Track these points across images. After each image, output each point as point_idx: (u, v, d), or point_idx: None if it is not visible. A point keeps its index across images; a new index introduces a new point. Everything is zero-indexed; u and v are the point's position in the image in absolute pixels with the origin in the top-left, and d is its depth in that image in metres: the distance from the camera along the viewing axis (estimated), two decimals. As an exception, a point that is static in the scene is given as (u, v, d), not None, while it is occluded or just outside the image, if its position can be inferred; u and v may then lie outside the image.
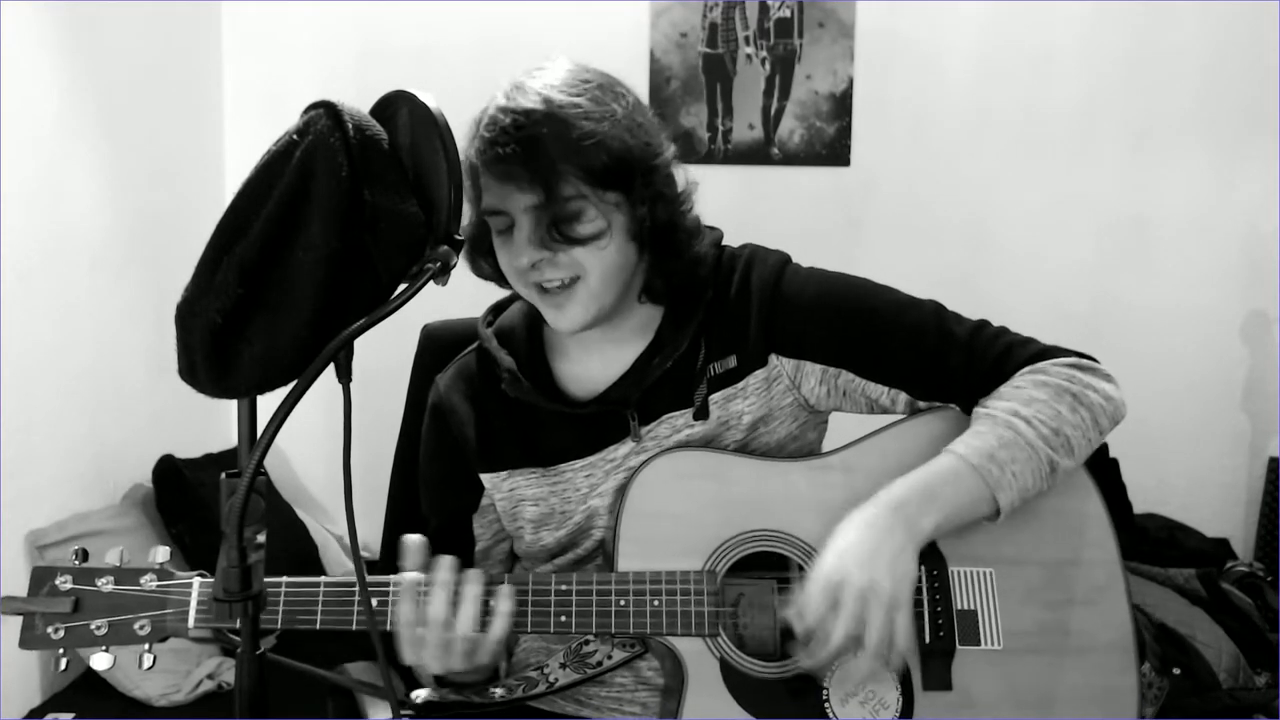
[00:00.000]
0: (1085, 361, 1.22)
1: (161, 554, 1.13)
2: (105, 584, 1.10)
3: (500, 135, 1.10)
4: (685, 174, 1.22)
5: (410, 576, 1.10)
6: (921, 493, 1.12)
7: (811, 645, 1.08)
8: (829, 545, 1.10)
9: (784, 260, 1.27)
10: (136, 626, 1.10)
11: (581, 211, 1.13)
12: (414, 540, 1.13)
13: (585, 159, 1.10)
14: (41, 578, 1.11)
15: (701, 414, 1.23)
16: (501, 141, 1.09)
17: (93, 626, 1.09)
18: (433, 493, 1.34)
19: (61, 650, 1.10)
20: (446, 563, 1.10)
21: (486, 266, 1.24)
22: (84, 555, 1.12)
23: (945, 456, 1.15)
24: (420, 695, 1.18)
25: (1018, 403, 1.16)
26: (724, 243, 1.30)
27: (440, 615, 1.08)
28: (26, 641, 1.09)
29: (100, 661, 1.10)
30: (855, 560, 1.07)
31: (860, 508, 1.12)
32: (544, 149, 1.09)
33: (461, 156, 1.11)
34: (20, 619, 1.10)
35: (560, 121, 1.10)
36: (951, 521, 1.14)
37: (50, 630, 1.09)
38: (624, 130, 1.13)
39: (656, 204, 1.17)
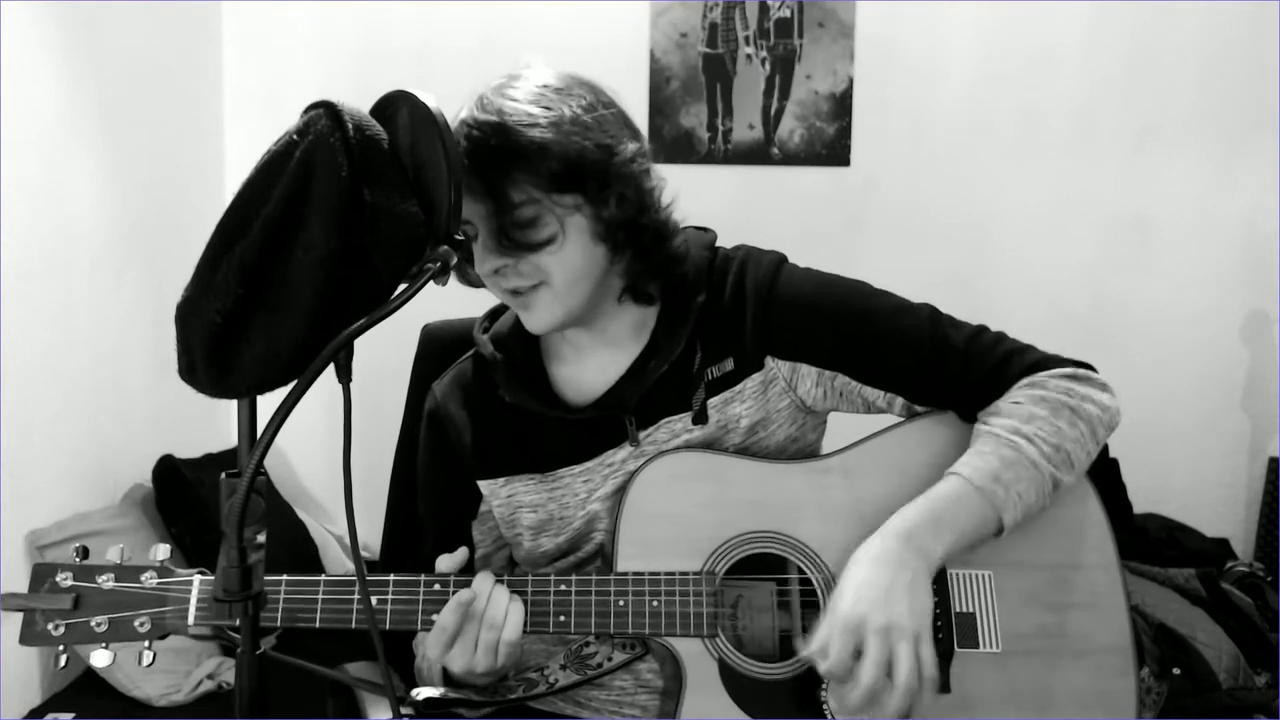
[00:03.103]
0: (1081, 371, 1.22)
1: (162, 551, 1.14)
2: (106, 581, 1.11)
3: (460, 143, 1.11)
4: (654, 173, 1.21)
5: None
6: (930, 520, 1.12)
7: (842, 690, 1.07)
8: (843, 582, 1.10)
9: (779, 261, 1.27)
10: (136, 623, 1.10)
11: (536, 218, 1.13)
12: (449, 560, 1.16)
13: (532, 164, 1.11)
14: (42, 574, 1.11)
15: (700, 419, 1.23)
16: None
17: (93, 623, 1.09)
18: (431, 501, 1.34)
19: (61, 647, 1.10)
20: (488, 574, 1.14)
21: (471, 276, 1.24)
22: (85, 553, 1.12)
23: (950, 480, 1.15)
24: (421, 694, 1.18)
25: (1019, 420, 1.16)
26: (719, 244, 1.29)
27: (494, 616, 1.11)
28: (27, 638, 1.09)
29: (100, 659, 1.10)
30: (872, 599, 1.07)
31: (869, 540, 1.12)
32: (489, 158, 1.11)
33: None
34: (21, 617, 1.10)
35: (506, 130, 1.11)
36: (960, 544, 1.14)
37: (51, 627, 1.09)
38: (572, 133, 1.13)
39: (618, 204, 1.15)
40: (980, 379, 1.20)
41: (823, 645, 1.07)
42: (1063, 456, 1.16)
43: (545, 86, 1.16)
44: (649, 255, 1.19)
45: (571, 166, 1.12)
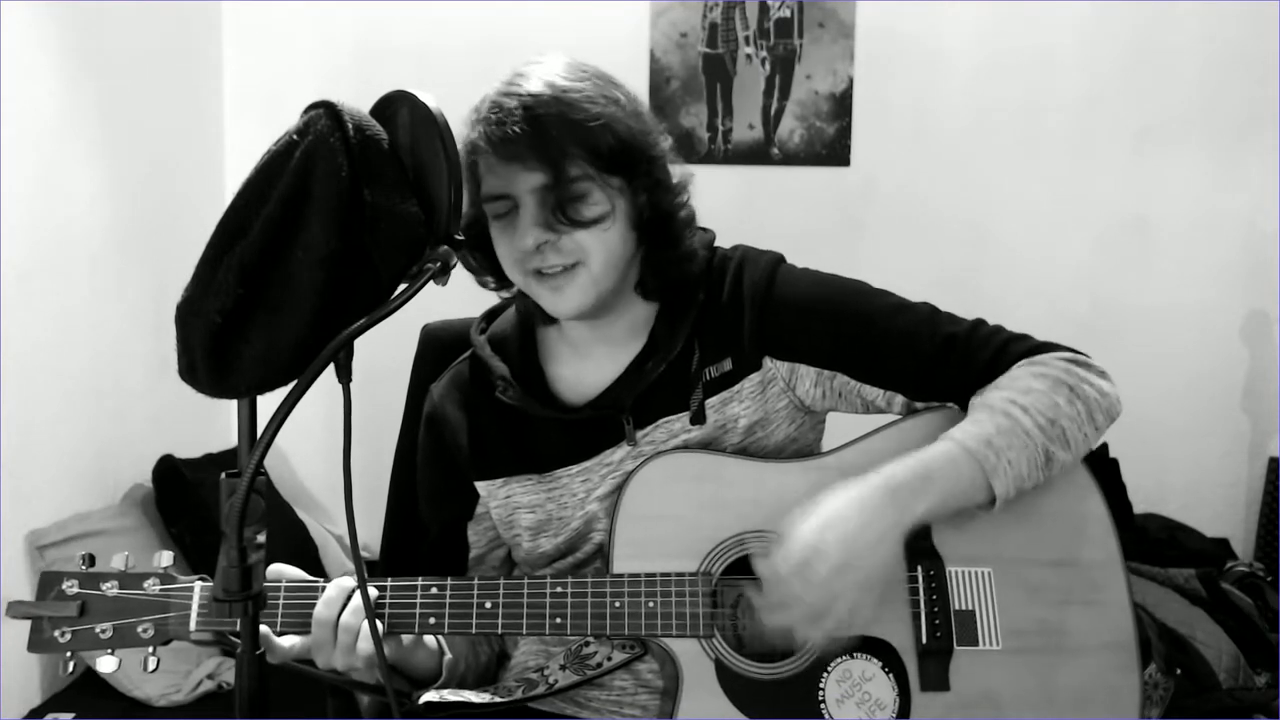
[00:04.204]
0: (1081, 356, 1.22)
1: (165, 558, 1.15)
2: (110, 588, 1.12)
3: (507, 116, 1.11)
4: (680, 167, 1.23)
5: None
6: (917, 476, 1.11)
7: (772, 605, 1.07)
8: (814, 509, 1.09)
9: (776, 261, 1.27)
10: (140, 629, 1.11)
11: (587, 193, 1.13)
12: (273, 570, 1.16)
13: (593, 140, 1.12)
14: (49, 582, 1.13)
15: (698, 419, 1.23)
16: (509, 122, 1.10)
17: (98, 630, 1.10)
18: (429, 501, 1.34)
19: (69, 653, 1.11)
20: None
21: (475, 260, 1.24)
22: (91, 560, 1.13)
23: (942, 442, 1.14)
24: (422, 695, 1.18)
25: (1015, 392, 1.16)
26: (717, 244, 1.30)
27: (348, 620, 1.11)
28: (35, 645, 1.11)
29: (105, 664, 1.11)
30: (837, 535, 1.06)
31: (853, 481, 1.11)
32: (552, 128, 1.10)
33: (460, 143, 1.12)
34: (27, 623, 1.12)
35: (567, 104, 1.12)
36: (945, 507, 1.13)
37: (57, 634, 1.11)
38: (628, 116, 1.16)
39: (656, 192, 1.18)
40: (979, 368, 1.20)
41: (775, 559, 1.07)
42: (1058, 431, 1.15)
43: (586, 72, 1.17)
44: (672, 247, 1.21)
45: (625, 147, 1.14)
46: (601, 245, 1.15)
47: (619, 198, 1.16)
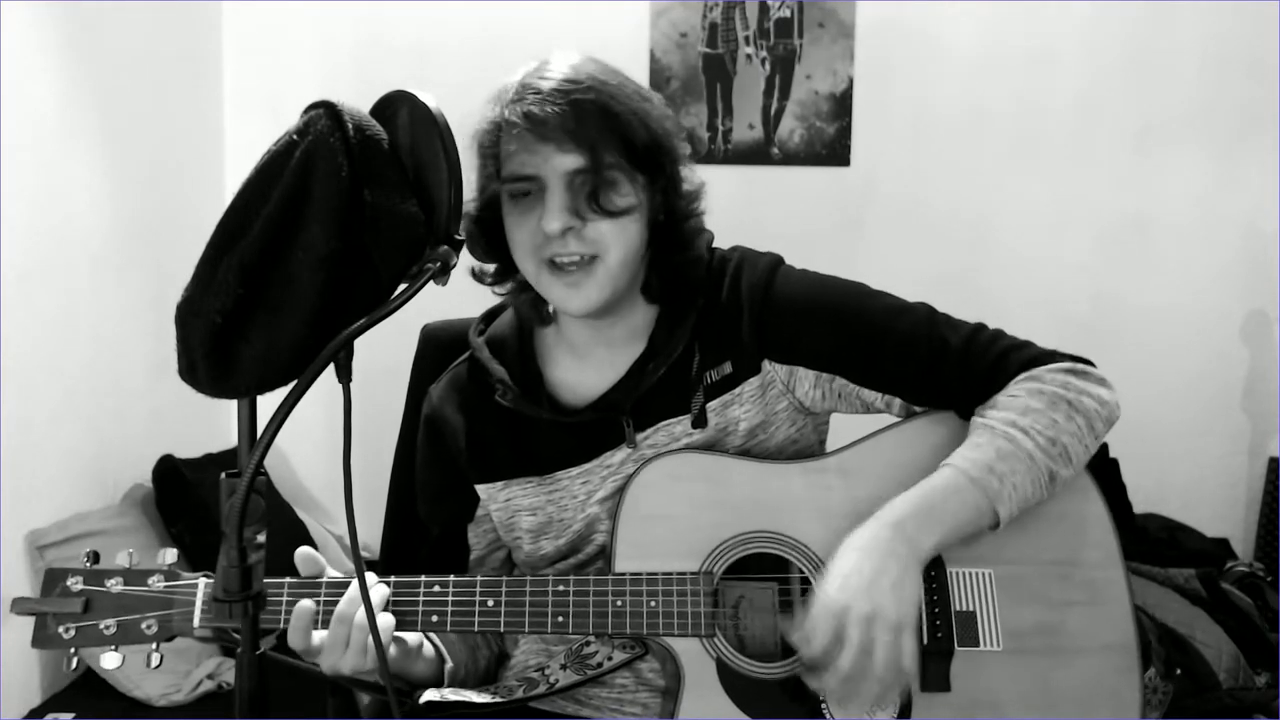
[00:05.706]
0: (1080, 366, 1.21)
1: (170, 555, 1.15)
2: (114, 585, 1.12)
3: (549, 95, 1.11)
4: (694, 173, 1.24)
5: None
6: (922, 510, 1.12)
7: (821, 673, 1.07)
8: (831, 569, 1.09)
9: (774, 264, 1.27)
10: (144, 626, 1.11)
11: (618, 183, 1.14)
12: (306, 552, 1.16)
13: (629, 131, 1.13)
14: (54, 579, 1.13)
15: (700, 422, 1.23)
16: (550, 101, 1.10)
17: (101, 626, 1.11)
18: (428, 503, 1.34)
19: (72, 649, 1.12)
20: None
21: (481, 247, 1.22)
22: (95, 558, 1.14)
23: (944, 470, 1.15)
24: (422, 695, 1.18)
25: (1014, 412, 1.16)
26: (716, 244, 1.29)
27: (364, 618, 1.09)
28: (39, 641, 1.11)
29: (109, 661, 1.12)
30: (858, 586, 1.06)
31: (860, 528, 1.12)
32: (594, 113, 1.11)
33: (486, 122, 1.13)
34: (28, 623, 1.12)
35: (608, 94, 1.13)
36: (954, 536, 1.13)
37: (61, 630, 1.11)
38: (661, 116, 1.18)
39: (672, 195, 1.19)
40: (979, 377, 1.20)
41: (807, 631, 1.07)
42: (1059, 450, 1.15)
43: (618, 72, 1.18)
44: (683, 249, 1.21)
45: (657, 144, 1.15)
46: (622, 238, 1.15)
47: (642, 193, 1.16)
